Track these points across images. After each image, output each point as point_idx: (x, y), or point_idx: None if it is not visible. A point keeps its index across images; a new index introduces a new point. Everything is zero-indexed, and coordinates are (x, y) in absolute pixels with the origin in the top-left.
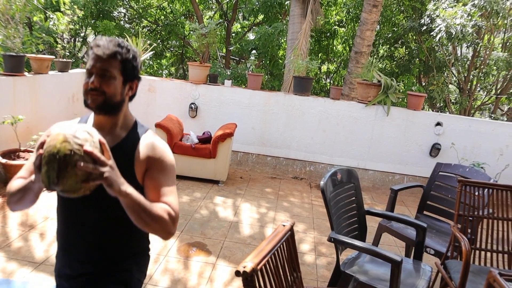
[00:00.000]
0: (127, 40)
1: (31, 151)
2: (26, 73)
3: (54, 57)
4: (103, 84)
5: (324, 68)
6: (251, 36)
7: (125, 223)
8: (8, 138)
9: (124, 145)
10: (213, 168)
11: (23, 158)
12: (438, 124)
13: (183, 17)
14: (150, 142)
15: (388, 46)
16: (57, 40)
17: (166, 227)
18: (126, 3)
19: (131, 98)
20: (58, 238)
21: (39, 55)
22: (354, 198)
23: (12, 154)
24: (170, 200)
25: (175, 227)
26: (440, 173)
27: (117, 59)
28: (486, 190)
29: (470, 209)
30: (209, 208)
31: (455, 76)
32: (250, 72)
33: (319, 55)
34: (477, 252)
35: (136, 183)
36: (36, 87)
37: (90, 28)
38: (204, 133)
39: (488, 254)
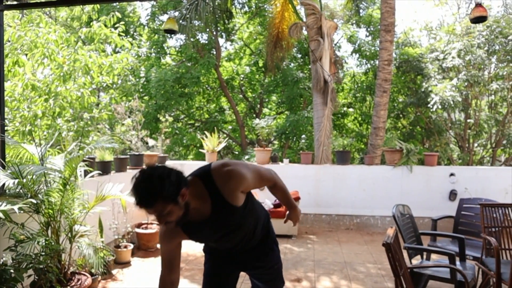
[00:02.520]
0: (206, 137)
1: (155, 223)
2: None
3: (159, 153)
4: (165, 219)
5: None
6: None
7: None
8: (138, 214)
9: (217, 205)
10: (287, 226)
11: (150, 228)
12: (452, 174)
13: (216, 113)
14: (225, 182)
15: (391, 119)
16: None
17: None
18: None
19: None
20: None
21: (149, 152)
22: (410, 224)
23: (142, 226)
24: (267, 179)
25: (277, 178)
26: (464, 205)
27: (158, 201)
28: (499, 209)
29: (492, 223)
30: (293, 254)
31: (453, 137)
32: (302, 152)
33: (333, 133)
34: (502, 251)
35: (243, 206)
36: None
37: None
38: (275, 200)
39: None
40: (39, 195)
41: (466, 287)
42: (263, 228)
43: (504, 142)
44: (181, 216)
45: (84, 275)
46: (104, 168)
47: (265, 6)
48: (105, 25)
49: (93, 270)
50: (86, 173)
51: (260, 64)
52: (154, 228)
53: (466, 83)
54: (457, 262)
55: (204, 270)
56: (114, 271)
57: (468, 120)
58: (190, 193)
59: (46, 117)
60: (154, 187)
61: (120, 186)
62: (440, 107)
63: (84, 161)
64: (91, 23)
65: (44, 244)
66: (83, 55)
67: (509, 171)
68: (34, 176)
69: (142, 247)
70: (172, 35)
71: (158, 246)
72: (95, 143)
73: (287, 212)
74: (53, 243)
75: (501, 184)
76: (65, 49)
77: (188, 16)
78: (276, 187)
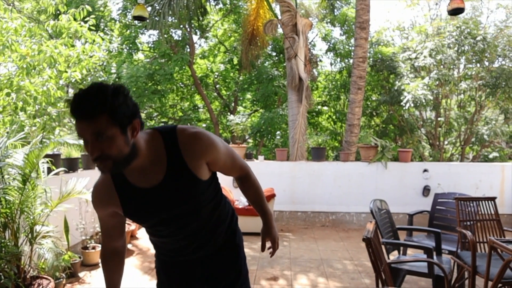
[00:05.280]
0: None
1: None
2: None
3: None
4: (103, 149)
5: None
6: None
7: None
8: None
9: (174, 169)
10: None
11: None
12: (425, 170)
13: (190, 111)
14: (190, 143)
15: (365, 117)
16: None
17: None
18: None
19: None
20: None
21: None
22: (387, 219)
23: None
24: (240, 166)
25: (251, 171)
26: (439, 200)
27: (103, 113)
28: (473, 202)
29: (466, 217)
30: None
31: (424, 135)
32: (277, 148)
33: (308, 131)
34: (477, 244)
35: (207, 183)
36: None
37: None
38: None
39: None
40: None
41: (445, 281)
42: (228, 229)
43: (473, 140)
44: (123, 156)
45: (46, 279)
46: (71, 165)
47: (240, 3)
48: (74, 19)
49: (57, 274)
50: (50, 170)
51: (235, 62)
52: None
53: (437, 82)
54: (434, 257)
55: None
56: (81, 274)
57: (439, 119)
58: (143, 144)
59: (7, 112)
60: (104, 95)
61: (85, 182)
62: (412, 105)
63: (47, 156)
64: (60, 16)
65: None
66: (47, 46)
67: (479, 166)
68: None
69: None
70: (145, 30)
71: (129, 246)
72: (59, 138)
73: (261, 229)
74: (10, 246)
75: (472, 180)
76: (28, 39)
77: (161, 11)
78: (250, 181)
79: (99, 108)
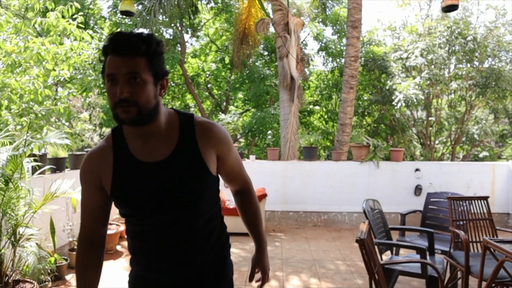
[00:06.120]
0: None
1: (114, 223)
2: None
3: None
4: (133, 92)
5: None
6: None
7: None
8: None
9: (184, 143)
10: None
11: (109, 229)
12: (417, 169)
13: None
14: (207, 128)
15: (357, 116)
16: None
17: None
18: None
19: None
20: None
21: None
22: (380, 219)
23: None
24: (245, 178)
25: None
26: (431, 199)
27: (144, 56)
28: (466, 202)
29: (459, 216)
30: None
31: (415, 134)
32: (268, 148)
33: (300, 130)
34: (470, 244)
35: (212, 180)
36: None
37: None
38: None
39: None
40: None
41: (439, 281)
42: (219, 253)
43: (463, 139)
44: (148, 108)
45: (30, 282)
46: (58, 165)
47: (232, 2)
48: (63, 16)
49: (42, 277)
50: (35, 169)
51: (226, 61)
52: (113, 229)
53: (428, 82)
54: (427, 257)
55: None
56: (67, 276)
57: (430, 118)
58: (162, 112)
59: None
60: (150, 40)
61: (70, 182)
62: (403, 104)
63: (32, 156)
64: (47, 14)
65: None
66: (34, 42)
67: (470, 166)
68: None
69: None
70: (136, 29)
71: (118, 247)
72: (45, 138)
73: (253, 256)
74: None
75: (463, 179)
76: (14, 36)
77: (152, 9)
78: (251, 199)
79: (143, 49)
